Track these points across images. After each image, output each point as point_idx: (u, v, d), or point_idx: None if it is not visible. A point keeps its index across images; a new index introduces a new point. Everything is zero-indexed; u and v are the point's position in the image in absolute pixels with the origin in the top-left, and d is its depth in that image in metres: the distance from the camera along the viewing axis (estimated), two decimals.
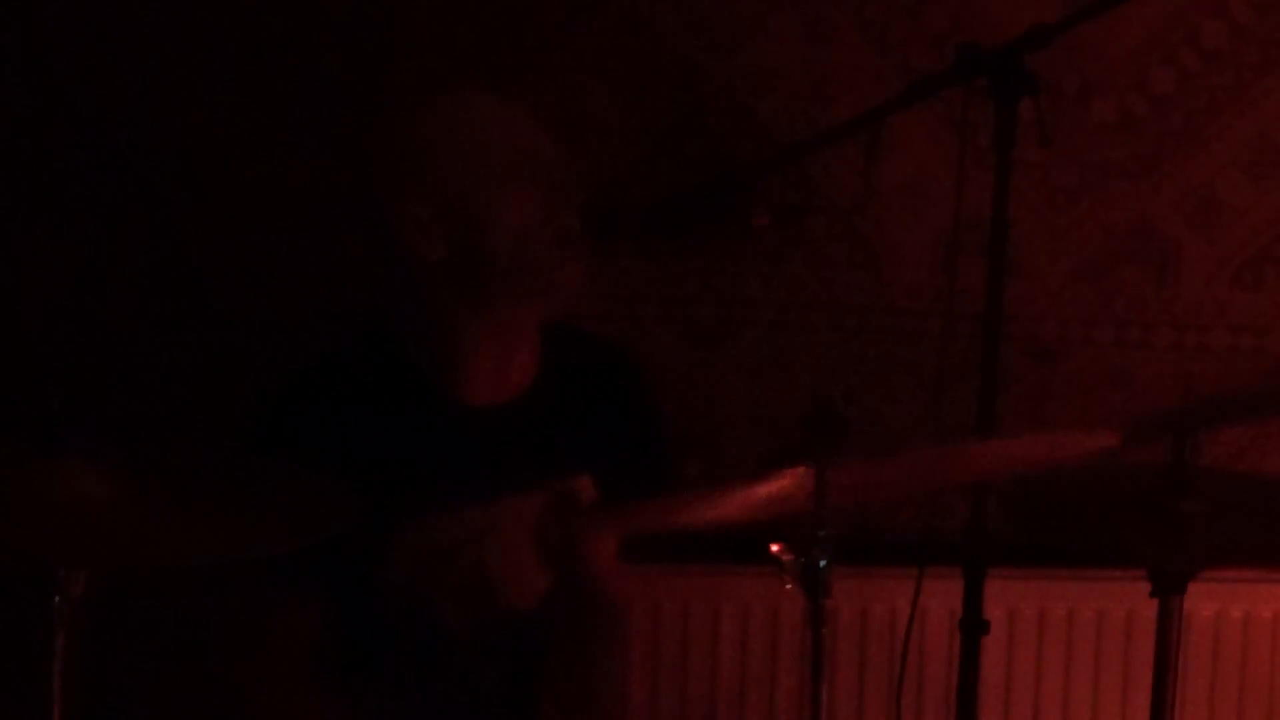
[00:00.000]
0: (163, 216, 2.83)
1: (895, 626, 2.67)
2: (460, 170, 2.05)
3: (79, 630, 1.88)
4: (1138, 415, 2.51)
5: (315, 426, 2.08)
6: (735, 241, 2.71)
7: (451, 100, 2.22)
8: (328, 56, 2.74)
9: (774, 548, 1.88)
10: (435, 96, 2.26)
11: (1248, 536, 1.82)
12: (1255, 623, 2.63)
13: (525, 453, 2.09)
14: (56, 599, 1.83)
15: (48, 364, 2.88)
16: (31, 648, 1.89)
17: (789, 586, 1.85)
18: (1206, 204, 2.77)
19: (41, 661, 1.89)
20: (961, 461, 2.03)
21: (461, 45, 2.75)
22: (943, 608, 2.61)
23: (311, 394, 2.12)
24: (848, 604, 2.73)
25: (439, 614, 2.10)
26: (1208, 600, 2.56)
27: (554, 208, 2.06)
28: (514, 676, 2.23)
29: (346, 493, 1.90)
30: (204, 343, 2.80)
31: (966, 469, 2.03)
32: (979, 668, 2.31)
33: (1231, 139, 2.75)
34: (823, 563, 1.84)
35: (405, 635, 2.18)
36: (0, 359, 2.85)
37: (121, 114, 2.78)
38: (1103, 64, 2.69)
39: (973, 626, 2.24)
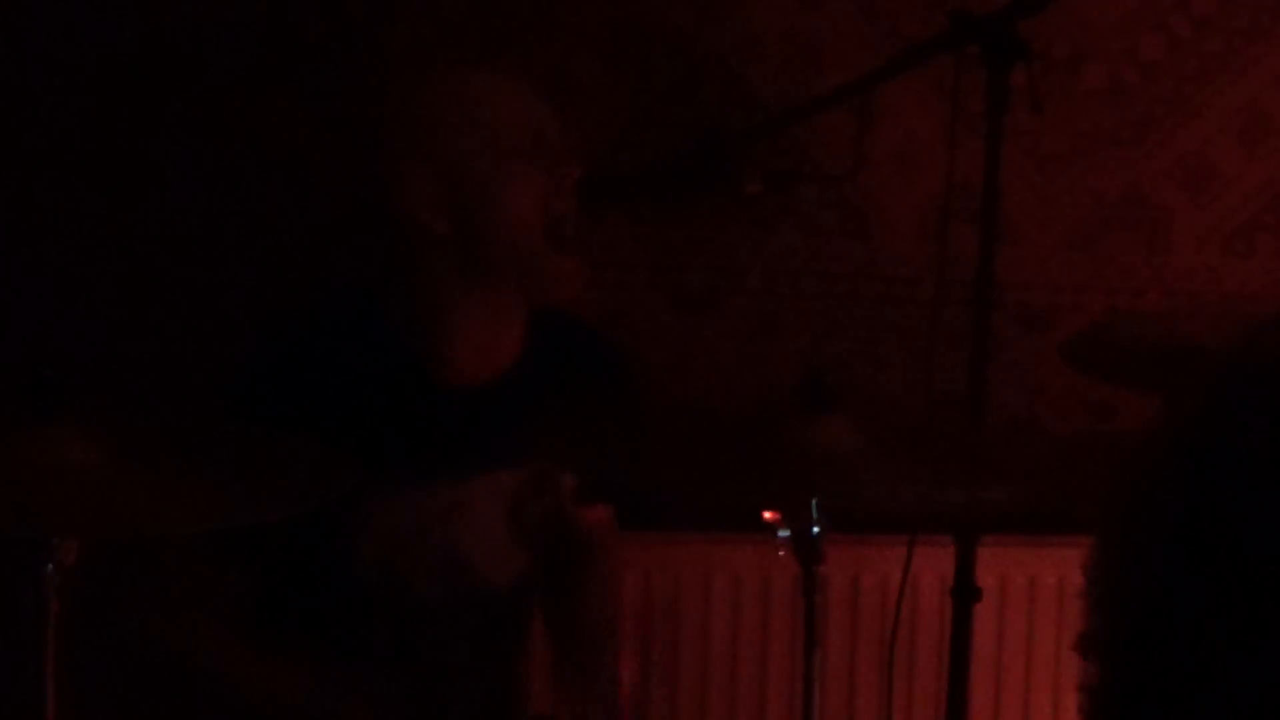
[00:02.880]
0: (151, 185, 2.83)
1: (887, 594, 2.67)
2: (470, 146, 2.06)
3: (72, 598, 1.87)
4: None
5: (297, 394, 2.10)
6: (725, 208, 2.74)
7: (464, 74, 2.25)
8: (315, 22, 2.73)
9: (768, 515, 1.92)
10: (447, 69, 2.31)
11: None
12: None
13: (503, 433, 2.12)
14: (49, 567, 1.83)
15: (38, 331, 2.87)
16: (24, 616, 1.87)
17: (782, 554, 1.88)
18: (1198, 171, 2.79)
19: (34, 629, 1.86)
20: None
21: (451, 11, 2.76)
22: (934, 575, 2.65)
23: (294, 361, 2.14)
24: (840, 572, 2.72)
25: (413, 590, 2.17)
26: None
27: (555, 191, 2.09)
28: (491, 653, 2.26)
29: (334, 463, 1.92)
30: (193, 311, 2.81)
31: None
32: (971, 635, 2.34)
33: (1222, 106, 2.77)
34: (816, 530, 1.88)
35: (379, 610, 2.22)
36: None
37: (106, 81, 2.78)
38: (1094, 31, 2.69)
39: (965, 594, 2.28)
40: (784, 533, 1.93)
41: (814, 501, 1.85)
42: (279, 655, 2.22)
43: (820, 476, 1.96)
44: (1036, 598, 2.76)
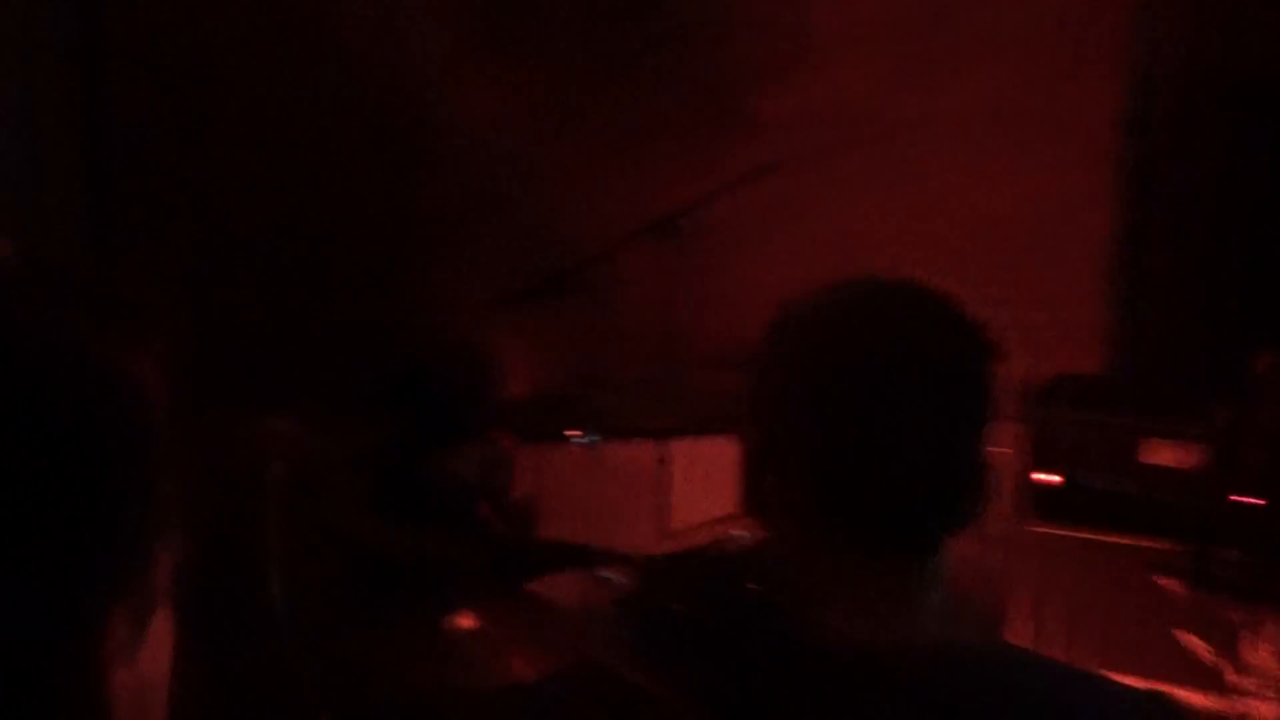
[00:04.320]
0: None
1: (632, 462, 4.12)
2: None
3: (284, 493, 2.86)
4: None
5: (417, 404, 3.37)
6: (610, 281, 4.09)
7: None
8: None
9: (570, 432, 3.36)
10: None
11: None
12: None
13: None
14: (268, 478, 2.86)
15: (256, 349, 3.78)
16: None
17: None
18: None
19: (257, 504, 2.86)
20: None
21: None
22: (653, 456, 4.02)
23: (417, 389, 3.43)
24: (609, 454, 3.96)
25: (472, 491, 3.29)
26: None
27: None
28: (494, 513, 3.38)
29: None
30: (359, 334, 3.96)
31: None
32: (671, 482, 3.98)
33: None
34: (594, 439, 3.43)
35: (453, 499, 3.29)
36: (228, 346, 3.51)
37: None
38: None
39: (664, 461, 4.05)
40: (579, 440, 3.44)
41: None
42: (396, 525, 3.12)
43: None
44: (700, 462, 4.07)
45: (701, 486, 3.89)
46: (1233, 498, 3.21)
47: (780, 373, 1.46)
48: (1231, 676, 3.10)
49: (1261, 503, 3.12)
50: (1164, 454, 3.70)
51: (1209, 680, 3.18)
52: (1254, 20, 4.07)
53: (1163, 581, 3.15)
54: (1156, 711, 1.44)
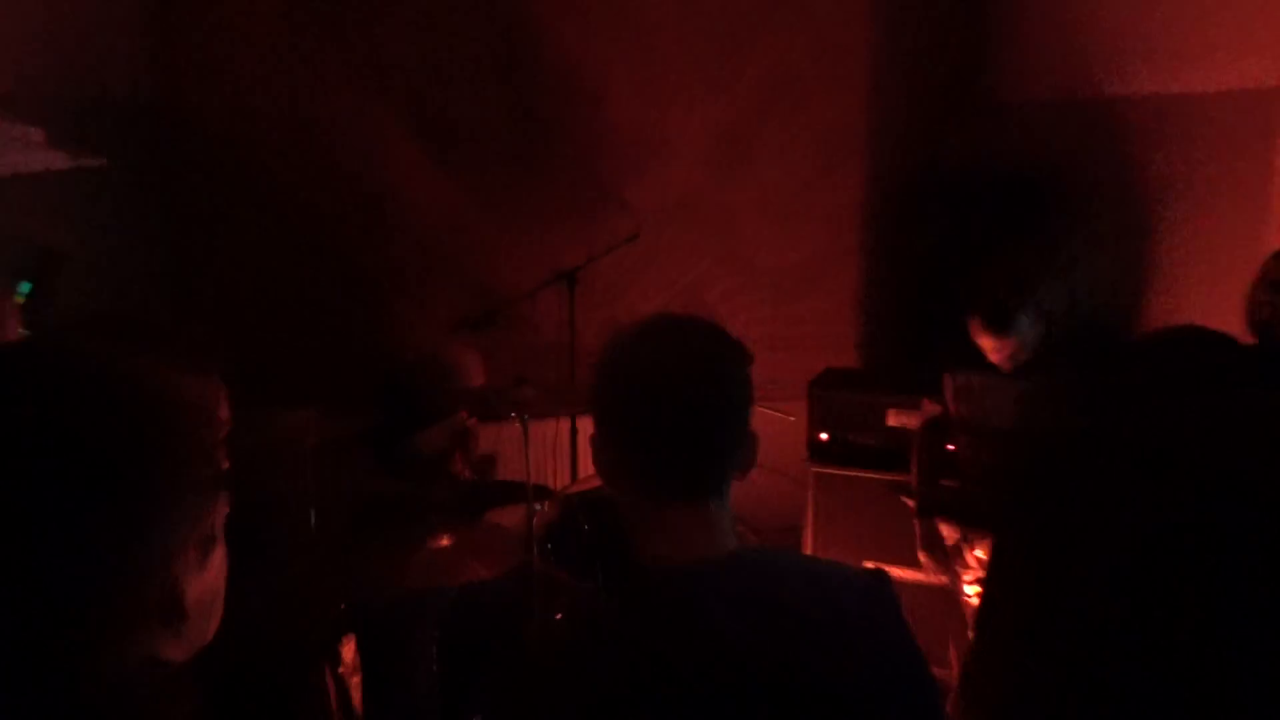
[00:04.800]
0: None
1: (542, 434, 4.23)
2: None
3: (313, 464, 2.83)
4: None
5: (393, 405, 3.40)
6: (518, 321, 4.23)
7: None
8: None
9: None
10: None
11: None
12: None
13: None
14: (304, 448, 2.82)
15: (285, 354, 3.92)
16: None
17: (516, 421, 3.01)
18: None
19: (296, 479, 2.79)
20: None
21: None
22: (564, 429, 4.09)
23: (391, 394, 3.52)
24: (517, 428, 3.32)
25: (429, 455, 3.20)
26: None
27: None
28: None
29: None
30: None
31: None
32: (577, 448, 3.98)
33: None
34: (526, 418, 3.03)
35: (414, 456, 3.21)
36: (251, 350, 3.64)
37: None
38: None
39: (574, 434, 4.06)
40: (516, 419, 2.98)
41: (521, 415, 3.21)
42: (392, 478, 3.17)
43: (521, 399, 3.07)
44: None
45: None
46: (948, 446, 3.32)
47: (605, 378, 1.40)
48: (957, 568, 3.21)
49: (954, 448, 3.32)
50: (901, 419, 3.93)
51: (940, 569, 3.33)
52: (946, 140, 4.48)
53: (906, 499, 3.25)
54: (876, 581, 1.44)
